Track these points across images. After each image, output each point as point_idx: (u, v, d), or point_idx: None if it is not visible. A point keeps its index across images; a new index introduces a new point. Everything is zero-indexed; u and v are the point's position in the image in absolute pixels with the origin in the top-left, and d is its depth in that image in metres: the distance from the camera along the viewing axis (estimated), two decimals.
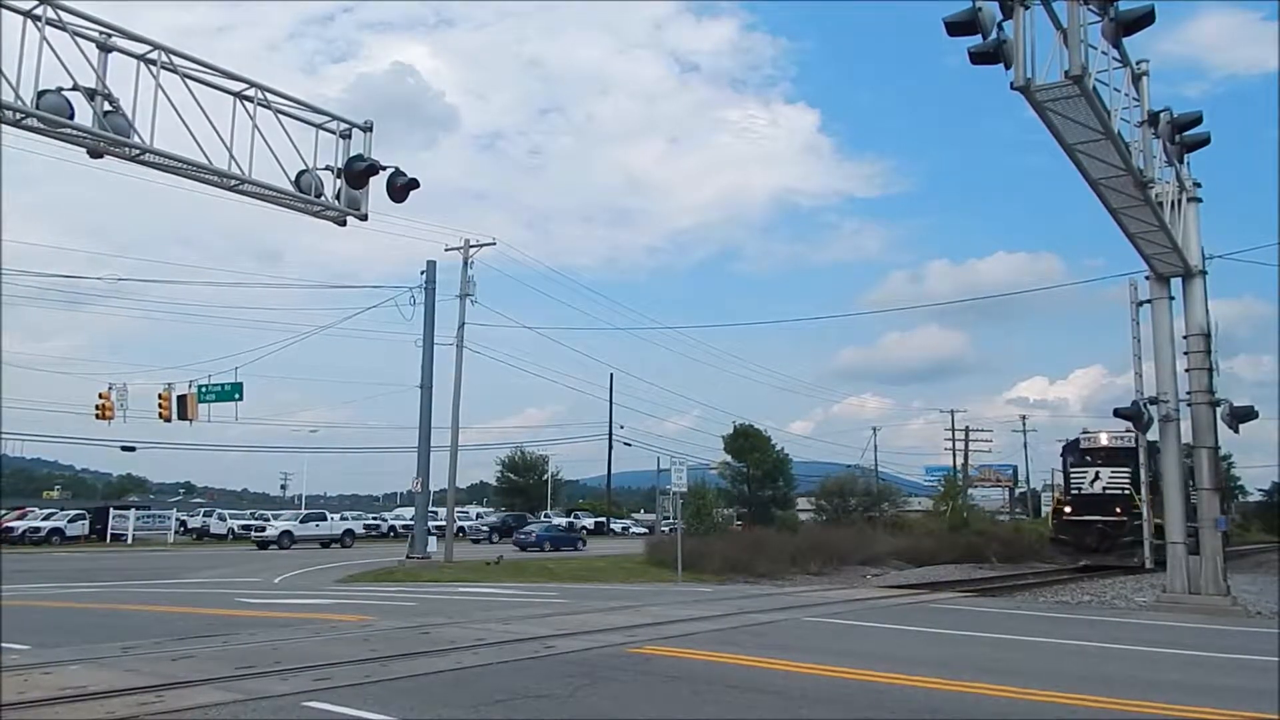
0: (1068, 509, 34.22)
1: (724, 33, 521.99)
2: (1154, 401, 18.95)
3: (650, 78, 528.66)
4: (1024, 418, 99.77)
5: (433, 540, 31.03)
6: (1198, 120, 16.81)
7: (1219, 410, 18.66)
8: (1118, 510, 31.78)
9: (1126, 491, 31.88)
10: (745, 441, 61.06)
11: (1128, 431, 31.95)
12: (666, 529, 38.43)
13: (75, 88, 10.06)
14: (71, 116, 10.01)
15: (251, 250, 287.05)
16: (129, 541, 46.48)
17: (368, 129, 12.79)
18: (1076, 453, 35.44)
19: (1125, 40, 13.02)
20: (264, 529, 45.80)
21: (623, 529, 66.81)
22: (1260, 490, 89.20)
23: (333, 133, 12.72)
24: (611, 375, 68.64)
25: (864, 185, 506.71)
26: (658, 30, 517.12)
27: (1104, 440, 34.26)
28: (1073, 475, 35.24)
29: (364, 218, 13.00)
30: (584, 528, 59.32)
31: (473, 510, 67.87)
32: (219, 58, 12.20)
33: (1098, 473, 33.63)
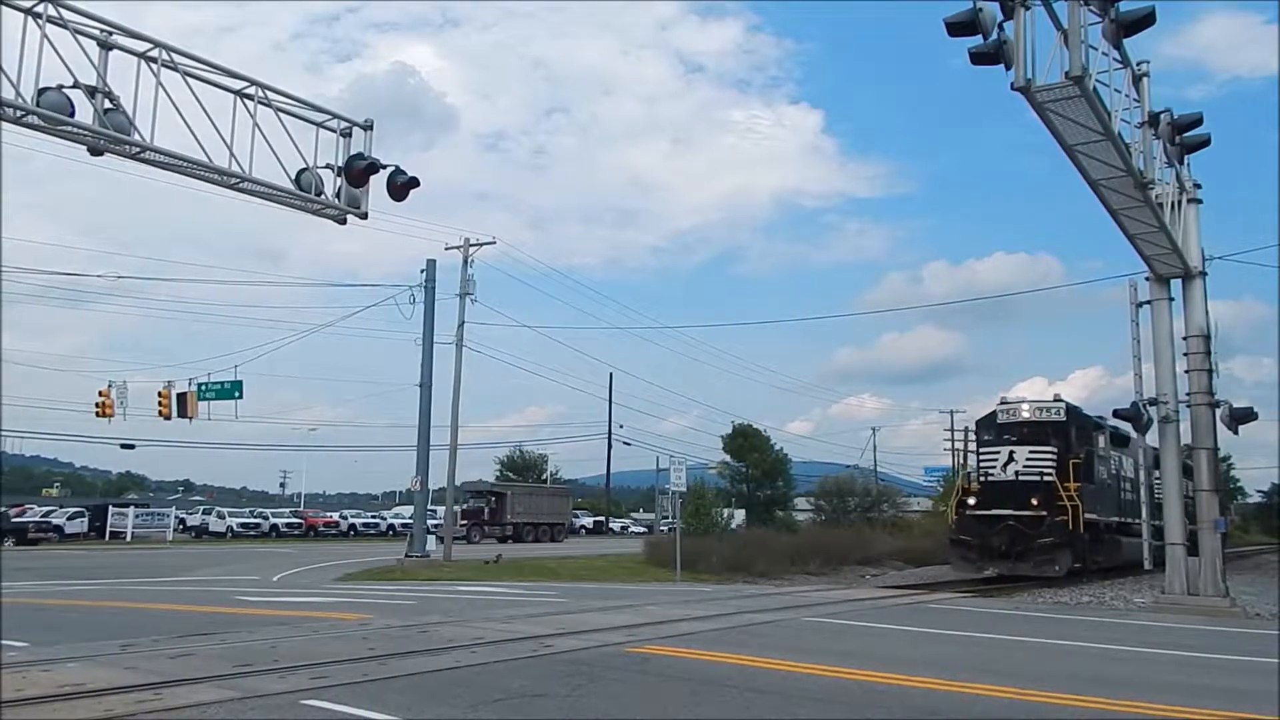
0: (971, 500, 25.65)
1: (729, 34, 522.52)
2: (1153, 403, 18.95)
3: (655, 78, 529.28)
4: None
5: (431, 539, 31.07)
6: (1198, 122, 16.82)
7: (1218, 412, 18.67)
8: (1034, 502, 24.13)
9: (1048, 478, 24.35)
10: (744, 441, 61.07)
11: (1056, 401, 26.57)
12: (665, 528, 38.37)
13: (76, 85, 10.04)
14: (72, 114, 9.99)
15: (254, 249, 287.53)
16: (128, 539, 46.48)
17: (368, 128, 12.80)
18: (992, 428, 27.06)
19: (1126, 41, 13.01)
20: None
21: (621, 528, 66.85)
22: (1259, 492, 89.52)
23: (333, 131, 12.72)
24: (611, 375, 68.92)
25: (866, 186, 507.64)
26: (663, 31, 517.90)
27: (1025, 413, 26.49)
28: (982, 456, 26.78)
29: (364, 216, 13.00)
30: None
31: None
32: (224, 57, 12.25)
33: (1012, 453, 25.45)
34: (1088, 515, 24.26)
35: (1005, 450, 25.67)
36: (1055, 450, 24.95)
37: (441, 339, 30.91)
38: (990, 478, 25.84)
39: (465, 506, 49.78)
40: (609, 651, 10.31)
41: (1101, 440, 27.31)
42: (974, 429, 28.60)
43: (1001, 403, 27.45)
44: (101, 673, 8.42)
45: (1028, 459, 25.10)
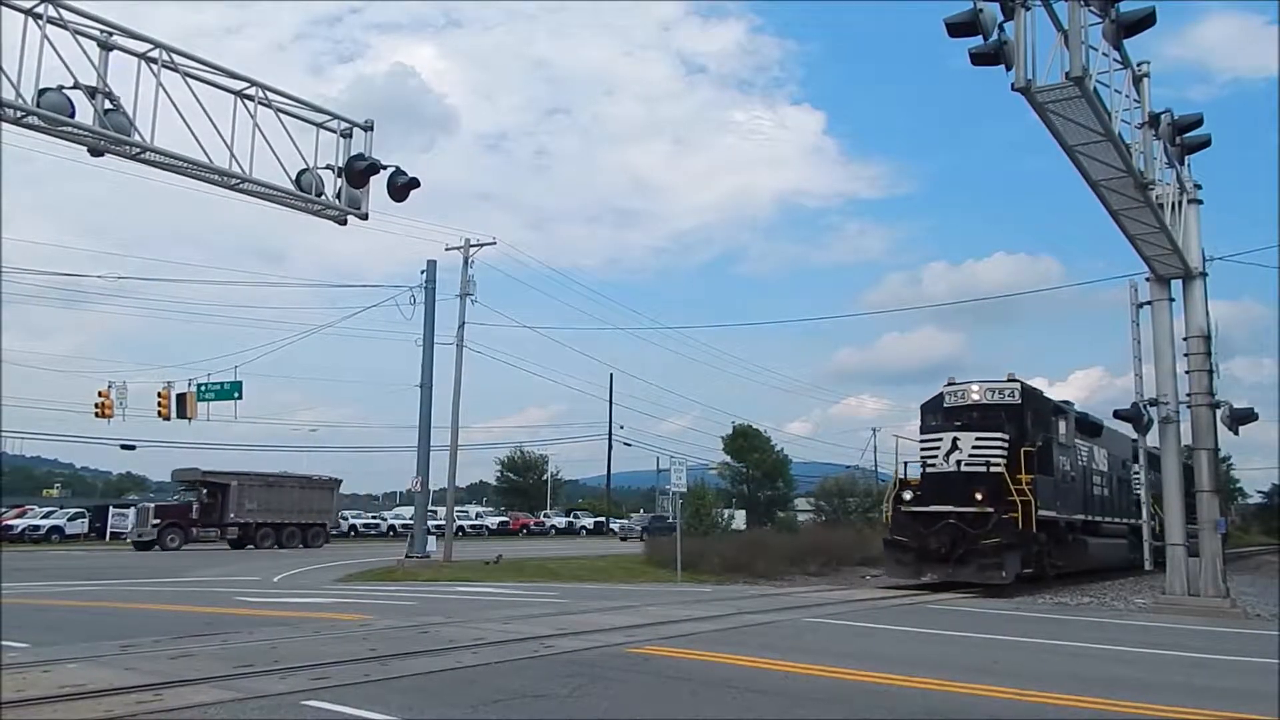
0: (908, 495, 22.18)
1: (731, 35, 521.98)
2: (1154, 403, 18.95)
3: (657, 79, 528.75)
4: None
5: (431, 540, 31.07)
6: (1198, 122, 16.82)
7: (1219, 412, 18.66)
8: (979, 497, 20.75)
9: (996, 469, 20.96)
10: (745, 442, 61.21)
11: (1010, 381, 22.97)
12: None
13: (76, 86, 10.05)
14: (72, 115, 10.00)
15: (255, 250, 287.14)
16: (128, 540, 46.45)
17: (368, 128, 12.81)
18: (938, 413, 23.22)
19: (1127, 42, 13.01)
20: None
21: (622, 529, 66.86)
22: (1260, 492, 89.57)
23: (333, 132, 12.73)
24: (611, 375, 68.95)
25: (868, 187, 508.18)
26: (665, 32, 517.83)
27: (975, 394, 22.81)
28: (924, 444, 22.88)
29: (364, 217, 13.02)
30: None
31: (472, 509, 67.94)
32: (227, 58, 12.28)
33: (955, 440, 21.70)
34: (1044, 512, 21.20)
35: (948, 437, 21.94)
36: (1007, 437, 21.58)
37: (442, 339, 30.93)
38: (931, 469, 22.29)
39: (168, 501, 41.59)
40: (610, 652, 10.32)
41: (1063, 427, 23.70)
42: (919, 414, 24.28)
43: (949, 384, 23.61)
44: (102, 673, 8.42)
45: (974, 447, 21.55)
